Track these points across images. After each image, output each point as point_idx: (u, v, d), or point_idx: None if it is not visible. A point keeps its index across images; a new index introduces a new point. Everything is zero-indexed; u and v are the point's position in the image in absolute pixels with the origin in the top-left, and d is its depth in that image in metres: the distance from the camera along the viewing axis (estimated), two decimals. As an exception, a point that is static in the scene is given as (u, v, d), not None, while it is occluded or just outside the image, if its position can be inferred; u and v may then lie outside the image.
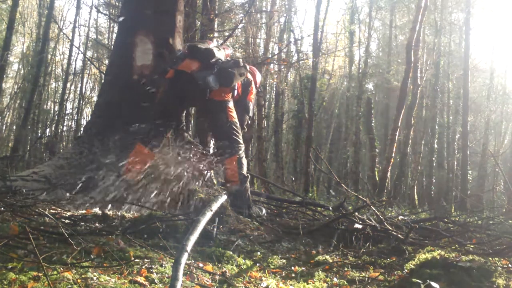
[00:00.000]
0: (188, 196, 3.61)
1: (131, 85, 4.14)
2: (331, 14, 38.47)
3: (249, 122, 4.35)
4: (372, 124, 16.21)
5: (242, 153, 3.82)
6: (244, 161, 3.82)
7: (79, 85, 22.56)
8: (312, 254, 2.84)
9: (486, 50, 45.09)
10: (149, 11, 4.26)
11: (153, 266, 1.98)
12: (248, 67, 3.95)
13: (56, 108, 22.28)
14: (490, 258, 2.24)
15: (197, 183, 3.76)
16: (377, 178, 14.15)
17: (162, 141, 3.86)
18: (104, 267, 1.86)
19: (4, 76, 15.62)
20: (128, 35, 4.27)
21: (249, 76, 4.21)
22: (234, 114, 3.86)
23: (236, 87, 3.95)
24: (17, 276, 1.62)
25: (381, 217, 3.59)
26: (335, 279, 2.26)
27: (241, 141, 3.85)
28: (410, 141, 14.71)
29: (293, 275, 2.33)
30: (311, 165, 14.50)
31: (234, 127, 3.82)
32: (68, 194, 3.57)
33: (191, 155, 3.98)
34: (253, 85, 4.25)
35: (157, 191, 3.63)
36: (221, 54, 3.84)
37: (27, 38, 22.64)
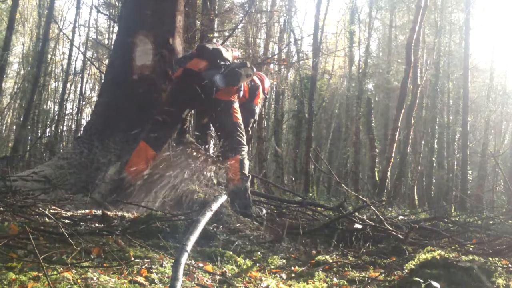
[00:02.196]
0: (188, 196, 3.61)
1: (131, 85, 4.14)
2: (331, 14, 38.57)
3: (254, 125, 4.39)
4: (372, 124, 16.22)
5: (244, 153, 3.82)
6: (246, 161, 3.83)
7: (79, 85, 22.57)
8: (312, 254, 2.84)
9: (486, 50, 45.11)
10: (149, 11, 4.26)
11: (153, 266, 1.98)
12: (254, 69, 3.97)
13: (56, 108, 22.30)
14: (490, 258, 2.24)
15: (197, 183, 3.75)
16: (377, 178, 14.15)
17: (167, 142, 3.86)
18: (104, 267, 1.86)
19: (4, 76, 15.60)
20: (128, 35, 4.28)
21: (257, 81, 4.29)
22: (239, 115, 3.87)
23: (242, 88, 3.97)
24: (17, 276, 1.62)
25: (381, 217, 3.59)
26: (335, 279, 2.26)
27: (244, 142, 3.86)
28: (410, 141, 14.69)
29: (293, 275, 2.33)
30: (311, 165, 14.50)
31: (238, 128, 3.83)
32: (68, 194, 3.56)
33: (191, 155, 3.98)
34: (260, 89, 4.33)
35: (158, 191, 3.63)
36: (228, 55, 3.87)
37: (27, 38, 22.63)
